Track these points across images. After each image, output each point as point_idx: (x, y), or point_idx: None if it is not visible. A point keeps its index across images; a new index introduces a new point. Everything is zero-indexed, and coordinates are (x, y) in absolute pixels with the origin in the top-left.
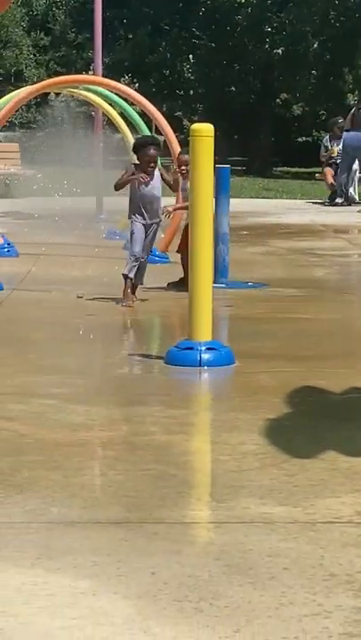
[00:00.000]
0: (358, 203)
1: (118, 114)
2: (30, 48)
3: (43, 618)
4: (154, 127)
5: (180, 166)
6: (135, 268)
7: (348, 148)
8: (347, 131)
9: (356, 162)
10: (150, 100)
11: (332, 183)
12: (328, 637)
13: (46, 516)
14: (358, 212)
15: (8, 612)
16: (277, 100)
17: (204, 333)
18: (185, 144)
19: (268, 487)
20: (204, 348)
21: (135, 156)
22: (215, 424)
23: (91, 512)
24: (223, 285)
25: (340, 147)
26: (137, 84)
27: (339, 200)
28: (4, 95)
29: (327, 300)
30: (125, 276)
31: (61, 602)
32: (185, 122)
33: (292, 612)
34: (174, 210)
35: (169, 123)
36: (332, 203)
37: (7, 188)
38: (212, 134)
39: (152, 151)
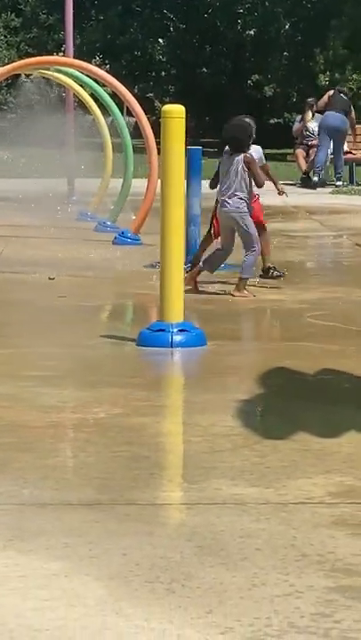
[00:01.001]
0: (331, 184)
1: (89, 95)
2: (1, 29)
3: (14, 599)
4: (125, 109)
5: None
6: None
7: (327, 128)
8: (320, 113)
9: (332, 143)
10: (121, 82)
11: (303, 165)
12: (300, 617)
13: (18, 497)
14: (330, 193)
15: None
16: (249, 82)
17: (175, 315)
18: (157, 125)
19: (239, 468)
20: (175, 330)
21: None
22: (187, 405)
23: (63, 494)
24: None
25: (316, 126)
26: (108, 66)
27: (316, 178)
28: None
29: (300, 282)
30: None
31: (33, 583)
32: (156, 103)
33: (264, 592)
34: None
35: (140, 104)
36: (304, 184)
37: None
38: (184, 116)
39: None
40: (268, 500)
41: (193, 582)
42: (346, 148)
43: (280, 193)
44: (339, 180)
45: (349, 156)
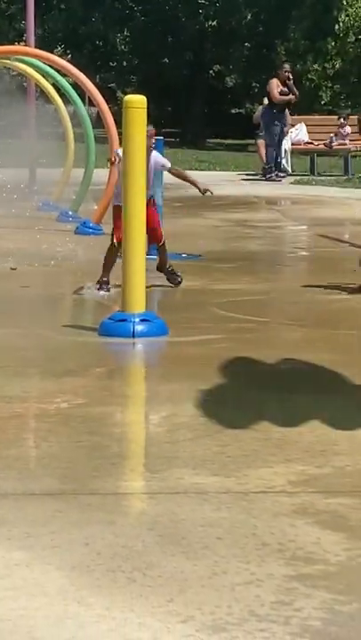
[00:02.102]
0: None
1: (51, 85)
2: None
3: None
4: (87, 99)
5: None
6: None
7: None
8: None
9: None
10: (83, 72)
11: (264, 155)
12: (260, 606)
13: None
14: (291, 183)
15: None
16: (210, 72)
17: (137, 305)
18: (118, 115)
19: (200, 458)
20: (137, 320)
21: None
22: (149, 395)
23: (25, 484)
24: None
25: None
26: (70, 55)
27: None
28: None
29: (261, 272)
30: None
31: None
32: (118, 93)
33: (224, 580)
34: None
35: (102, 94)
36: (265, 177)
37: None
38: (145, 106)
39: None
40: (230, 489)
41: (154, 571)
42: (306, 138)
43: (204, 192)
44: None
45: (310, 146)
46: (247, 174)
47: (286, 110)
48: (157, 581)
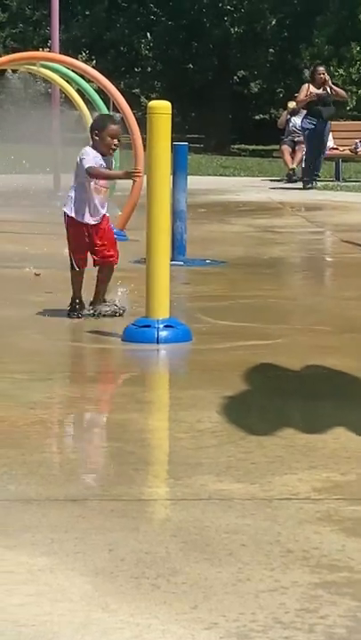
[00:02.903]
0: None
1: (75, 91)
2: None
3: (0, 595)
4: (111, 104)
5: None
6: None
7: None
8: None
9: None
10: (108, 77)
11: (288, 161)
12: (285, 613)
13: (4, 493)
14: (316, 189)
15: None
16: (235, 78)
17: (161, 311)
18: (142, 121)
19: (225, 464)
20: (161, 326)
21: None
22: (172, 401)
23: (48, 489)
24: (181, 263)
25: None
26: (94, 61)
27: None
28: None
29: (286, 278)
30: None
31: (18, 579)
32: (143, 99)
33: (249, 588)
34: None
35: (126, 100)
36: (289, 180)
37: None
38: (170, 112)
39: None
40: (254, 495)
41: (178, 578)
42: (332, 144)
43: (129, 176)
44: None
45: (335, 152)
46: (271, 180)
47: (324, 115)
48: (181, 588)
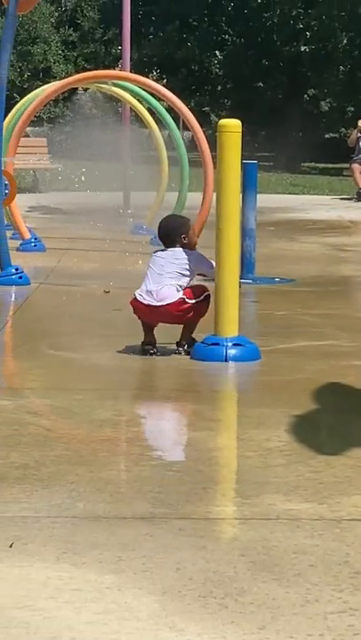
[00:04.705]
0: None
1: (146, 109)
2: (59, 44)
3: (68, 612)
4: (182, 123)
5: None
6: None
7: None
8: None
9: None
10: (178, 96)
11: (359, 180)
12: (354, 635)
13: (72, 510)
14: None
15: (34, 606)
16: (305, 96)
17: (230, 329)
18: (212, 140)
19: (293, 484)
20: (230, 344)
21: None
22: (241, 420)
23: (116, 507)
24: (250, 281)
25: None
26: (165, 80)
27: None
28: (33, 90)
29: (356, 297)
30: None
31: (86, 596)
32: (213, 117)
33: (317, 609)
34: None
35: (196, 118)
36: (360, 199)
37: (35, 183)
38: (240, 130)
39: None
40: (322, 516)
41: (246, 598)
42: None
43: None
44: None
45: None
46: (341, 198)
47: None
48: (249, 608)
